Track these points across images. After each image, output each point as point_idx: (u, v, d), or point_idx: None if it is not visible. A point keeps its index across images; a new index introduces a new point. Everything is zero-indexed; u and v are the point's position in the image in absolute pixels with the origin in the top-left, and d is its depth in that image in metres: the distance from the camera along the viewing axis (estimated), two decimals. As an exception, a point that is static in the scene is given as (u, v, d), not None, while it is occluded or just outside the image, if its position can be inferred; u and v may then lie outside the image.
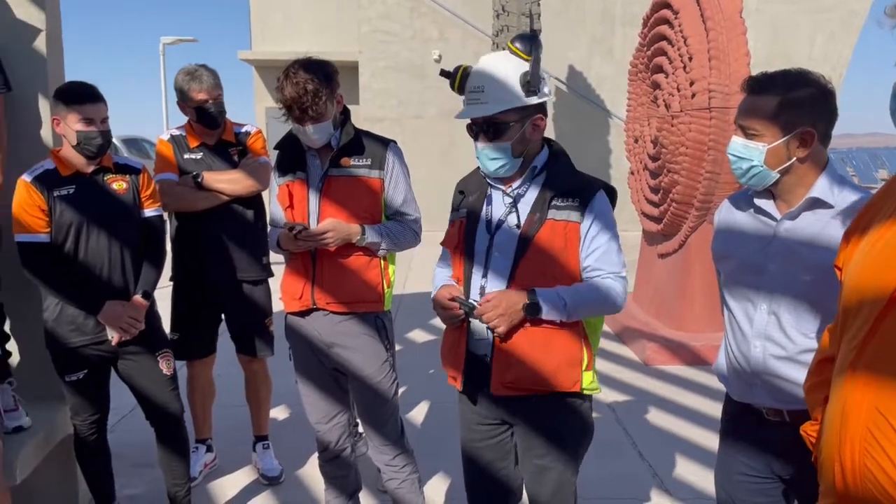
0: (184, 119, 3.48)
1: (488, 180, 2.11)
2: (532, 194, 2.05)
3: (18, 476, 2.63)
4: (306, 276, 2.62)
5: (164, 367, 2.93)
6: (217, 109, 3.35)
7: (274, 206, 2.73)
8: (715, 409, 4.32)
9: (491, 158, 2.03)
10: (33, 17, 2.99)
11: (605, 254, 2.01)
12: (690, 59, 5.39)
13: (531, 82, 1.97)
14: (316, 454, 2.92)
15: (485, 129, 2.01)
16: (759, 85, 1.84)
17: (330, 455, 2.77)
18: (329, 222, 2.52)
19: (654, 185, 6.07)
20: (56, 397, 2.98)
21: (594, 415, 2.23)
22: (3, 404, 2.79)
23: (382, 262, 2.65)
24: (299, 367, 2.75)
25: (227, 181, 3.36)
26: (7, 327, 3.01)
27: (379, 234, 2.60)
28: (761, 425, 1.91)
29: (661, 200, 5.94)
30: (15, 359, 3.07)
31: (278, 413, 4.34)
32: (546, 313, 1.97)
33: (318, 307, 2.62)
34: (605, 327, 3.24)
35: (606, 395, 4.49)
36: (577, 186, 2.03)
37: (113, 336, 2.78)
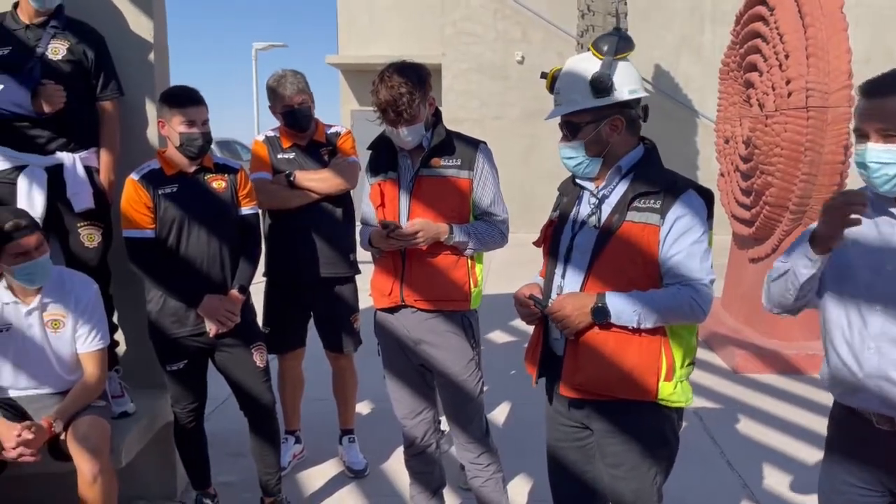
0: (276, 122, 3.60)
1: (577, 180, 2.11)
2: (617, 195, 2.03)
3: (124, 459, 2.79)
4: (395, 273, 2.67)
5: (258, 359, 3.04)
6: (302, 113, 3.45)
7: (366, 205, 2.80)
8: (810, 420, 4.19)
9: (567, 157, 2.05)
10: (143, 26, 3.16)
11: (687, 259, 1.92)
12: (787, 56, 5.19)
13: (597, 83, 1.94)
14: (400, 449, 2.97)
15: (563, 128, 2.04)
16: (885, 87, 1.73)
17: (416, 450, 2.81)
18: (419, 222, 2.56)
19: (746, 188, 5.87)
20: (158, 386, 3.13)
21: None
22: (110, 391, 2.96)
23: (469, 261, 2.68)
24: (387, 362, 2.80)
25: (318, 180, 3.46)
26: (115, 318, 3.19)
27: (466, 233, 2.62)
28: (870, 434, 1.82)
29: (752, 203, 5.74)
30: (121, 348, 3.25)
31: (363, 407, 4.43)
32: (615, 318, 1.93)
33: (407, 304, 2.67)
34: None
35: (693, 402, 4.37)
36: (660, 188, 1.96)
37: (211, 328, 2.91)
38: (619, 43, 1.98)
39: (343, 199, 3.57)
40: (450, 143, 2.66)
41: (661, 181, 1.98)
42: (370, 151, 2.79)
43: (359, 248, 3.60)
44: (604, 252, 1.98)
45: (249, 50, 20.74)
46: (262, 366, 3.05)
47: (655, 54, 12.41)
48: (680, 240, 1.92)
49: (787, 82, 5.16)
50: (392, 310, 2.72)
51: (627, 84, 1.98)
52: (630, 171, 2.03)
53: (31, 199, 2.88)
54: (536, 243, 2.25)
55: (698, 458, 3.74)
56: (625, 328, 1.94)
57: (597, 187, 2.06)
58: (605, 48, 1.98)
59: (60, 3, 2.99)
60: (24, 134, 2.92)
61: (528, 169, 12.41)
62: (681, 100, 12.52)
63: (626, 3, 9.78)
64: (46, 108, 2.87)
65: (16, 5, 2.97)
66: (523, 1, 12.91)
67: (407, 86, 2.49)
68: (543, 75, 2.14)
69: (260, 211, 3.22)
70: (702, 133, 12.27)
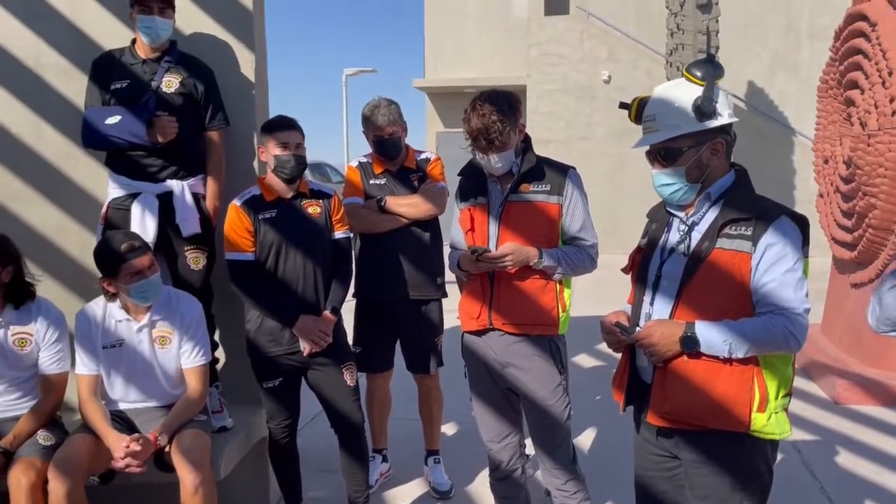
0: (366, 146, 3.73)
1: (668, 208, 2.09)
2: (707, 222, 2.00)
3: (222, 472, 2.91)
4: (484, 296, 2.71)
5: (349, 378, 3.13)
6: (392, 143, 3.55)
7: (455, 230, 2.85)
8: (920, 457, 3.94)
9: (664, 184, 2.02)
10: (245, 59, 3.35)
11: (781, 288, 1.87)
12: (890, 73, 4.96)
13: (703, 107, 1.93)
14: (485, 471, 2.98)
15: (658, 155, 2.01)
16: None
17: (501, 474, 2.82)
18: (508, 246, 2.59)
19: (847, 210, 5.62)
20: (254, 402, 3.27)
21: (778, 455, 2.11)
22: (210, 406, 3.10)
23: (558, 286, 2.68)
24: (474, 385, 2.83)
25: (408, 205, 3.55)
26: (216, 336, 3.35)
27: (556, 258, 2.63)
28: None
29: (854, 226, 5.48)
30: (221, 365, 3.41)
31: (449, 428, 4.46)
32: (705, 348, 1.89)
33: (495, 327, 2.70)
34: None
35: (791, 434, 4.19)
36: (751, 214, 1.93)
37: (305, 347, 3.02)
38: (714, 69, 1.98)
39: (431, 224, 3.64)
40: (539, 169, 2.69)
41: (752, 207, 1.95)
42: (460, 177, 2.85)
43: (446, 271, 3.68)
44: (693, 280, 1.95)
45: (340, 76, 21.35)
46: (352, 385, 3.13)
47: (748, 71, 12.08)
48: (773, 268, 1.88)
49: (891, 100, 4.93)
50: (480, 333, 2.75)
51: (725, 107, 1.98)
52: (720, 198, 2.01)
53: (143, 223, 3.07)
54: (625, 270, 2.24)
55: (796, 492, 3.58)
56: (715, 357, 1.91)
57: (686, 214, 2.05)
58: (700, 74, 1.97)
59: (174, 39, 3.20)
60: (139, 163, 3.12)
61: (614, 189, 12.25)
62: (776, 118, 12.11)
63: (717, 21, 9.57)
64: (160, 139, 3.06)
65: (134, 41, 3.19)
66: (610, 21, 12.83)
67: (498, 114, 2.54)
68: (624, 105, 2.14)
69: (352, 234, 3.33)
70: (798, 152, 11.81)
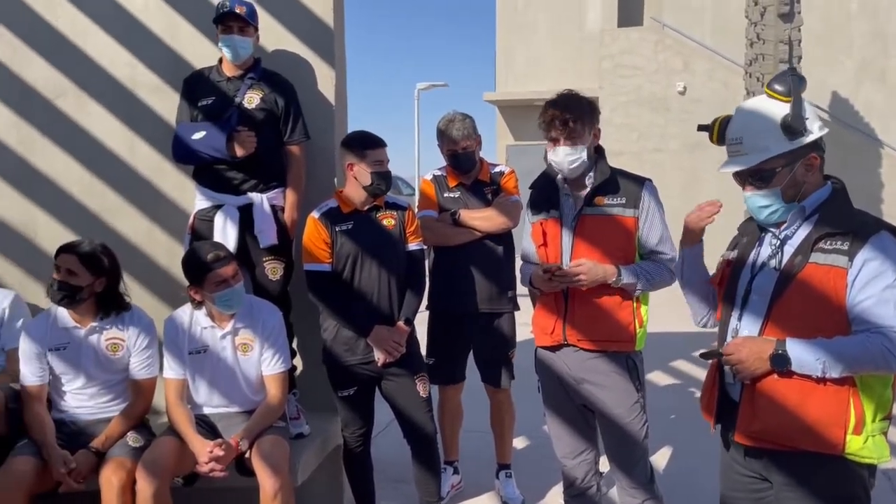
0: (437, 159, 3.78)
1: (760, 224, 2.04)
2: (800, 236, 1.94)
3: (300, 478, 2.97)
4: (558, 311, 2.68)
5: (421, 389, 3.16)
6: (465, 157, 3.58)
7: (527, 243, 2.84)
8: None
9: (760, 206, 1.96)
10: (325, 75, 3.44)
11: (878, 305, 1.79)
12: None
13: (793, 125, 1.87)
14: (557, 487, 2.96)
15: (750, 177, 1.95)
16: None
17: (575, 491, 2.79)
18: (583, 263, 2.56)
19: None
20: (330, 410, 3.32)
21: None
22: (288, 412, 3.18)
23: (635, 301, 2.64)
24: (548, 400, 2.81)
25: (482, 219, 3.56)
26: (294, 345, 3.44)
27: (635, 274, 2.59)
28: None
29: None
30: (298, 373, 3.49)
31: (520, 442, 4.43)
32: (797, 367, 1.83)
33: (569, 343, 2.67)
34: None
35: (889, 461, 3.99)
36: (848, 229, 1.86)
37: (379, 357, 3.06)
38: (798, 82, 1.92)
39: (505, 237, 3.65)
40: (614, 180, 2.65)
41: (849, 222, 1.88)
42: (531, 190, 2.83)
43: (518, 284, 3.67)
44: (784, 295, 1.90)
45: (411, 90, 21.66)
46: (424, 396, 3.16)
47: (832, 81, 11.65)
48: (870, 285, 1.81)
49: None
50: (554, 348, 2.72)
51: (815, 121, 1.92)
52: (815, 212, 1.94)
53: (225, 234, 3.19)
54: (712, 281, 2.20)
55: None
56: (808, 376, 1.85)
57: (779, 229, 1.99)
58: (784, 89, 1.91)
59: (258, 56, 3.32)
60: (222, 175, 3.24)
61: (687, 202, 11.73)
62: (861, 129, 11.62)
63: (799, 30, 9.27)
64: (239, 153, 3.17)
65: (220, 60, 3.33)
66: (686, 31, 12.60)
67: (574, 101, 2.57)
68: (704, 127, 2.09)
69: (425, 247, 3.36)
70: (886, 165, 11.30)
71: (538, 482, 3.84)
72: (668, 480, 3.88)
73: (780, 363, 1.85)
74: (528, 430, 4.42)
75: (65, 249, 2.89)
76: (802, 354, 1.83)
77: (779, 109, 1.91)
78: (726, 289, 2.08)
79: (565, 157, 2.58)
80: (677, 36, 12.64)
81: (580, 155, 2.58)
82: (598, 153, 2.68)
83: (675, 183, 12.02)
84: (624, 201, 2.62)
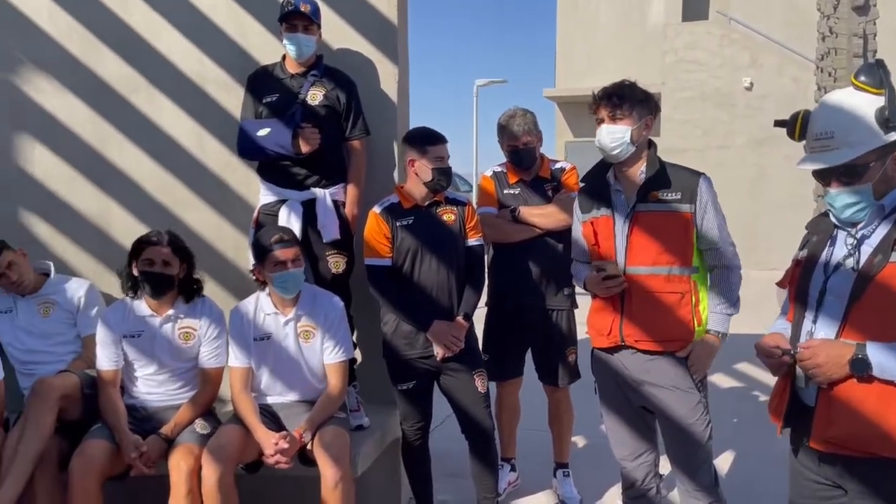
0: (499, 154, 3.76)
1: (837, 222, 1.96)
2: (879, 235, 1.86)
3: (359, 469, 3.01)
4: (615, 311, 2.63)
5: (480, 384, 3.16)
6: (526, 153, 3.55)
7: (577, 243, 2.79)
8: None
9: (847, 204, 1.87)
10: (388, 72, 3.47)
11: None
12: None
13: (890, 117, 1.79)
14: (616, 488, 2.93)
15: (839, 174, 1.86)
16: None
17: (635, 493, 2.75)
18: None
19: None
20: (389, 403, 3.36)
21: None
22: (349, 404, 3.23)
23: (694, 297, 2.58)
24: (605, 401, 2.78)
25: (541, 215, 3.54)
26: (354, 338, 3.48)
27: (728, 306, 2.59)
28: None
29: None
30: (358, 366, 3.53)
31: (578, 441, 4.40)
32: (878, 372, 1.76)
33: (627, 344, 2.62)
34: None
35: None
36: None
37: (438, 352, 3.08)
38: (886, 73, 1.84)
39: (565, 234, 3.58)
40: (665, 174, 2.58)
41: None
42: (581, 184, 2.78)
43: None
44: (864, 297, 1.82)
45: (469, 86, 21.67)
46: (483, 391, 3.16)
47: (909, 75, 11.16)
48: None
49: None
50: (611, 350, 2.67)
51: None
52: (894, 211, 1.86)
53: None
54: (781, 284, 2.12)
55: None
56: (890, 382, 1.77)
57: (855, 227, 1.91)
58: (872, 80, 1.83)
59: (321, 53, 3.37)
60: (286, 171, 3.31)
61: (753, 201, 11.65)
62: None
63: (874, 23, 8.90)
64: (304, 149, 3.22)
65: (284, 57, 3.39)
66: (754, 25, 12.25)
67: (628, 87, 2.55)
68: (782, 123, 2.01)
69: (484, 242, 3.36)
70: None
71: (596, 482, 3.80)
72: (729, 484, 3.77)
73: (861, 368, 1.78)
74: (586, 428, 4.37)
75: (152, 242, 2.99)
76: (884, 359, 1.76)
77: (870, 102, 1.82)
78: (798, 289, 2.01)
79: (607, 135, 2.54)
80: (745, 30, 12.32)
81: (623, 136, 2.52)
82: (650, 147, 2.63)
83: (741, 181, 11.72)
84: (679, 196, 2.55)
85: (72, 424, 3.00)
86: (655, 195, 2.56)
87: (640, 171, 2.59)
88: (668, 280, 2.56)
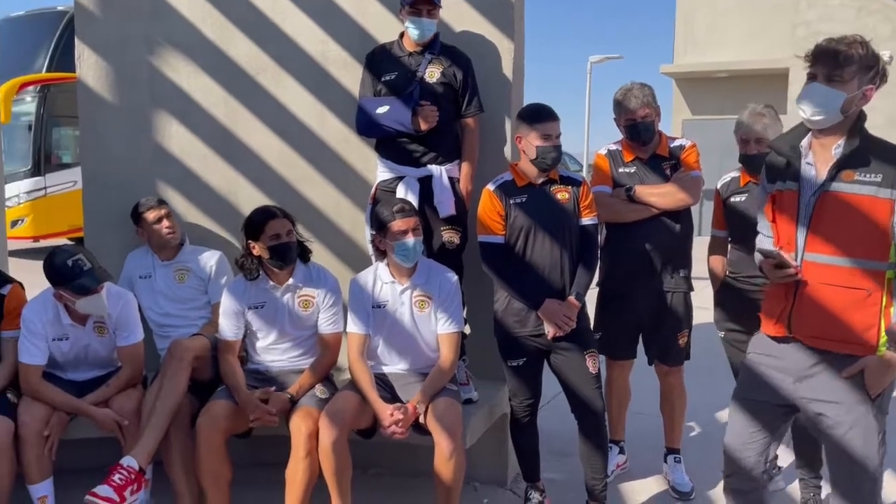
0: (611, 133, 3.68)
1: None
2: None
3: (468, 442, 3.07)
4: (787, 297, 2.32)
5: (591, 365, 3.12)
6: (644, 127, 3.44)
7: (761, 217, 2.49)
8: None
9: None
10: (505, 49, 3.47)
11: None
12: None
13: None
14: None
15: None
16: None
17: (735, 483, 2.57)
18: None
19: None
20: (498, 378, 3.39)
21: None
22: (458, 378, 3.29)
23: (885, 298, 2.21)
24: (745, 389, 2.52)
25: (658, 195, 3.44)
26: (464, 313, 3.53)
27: None
28: None
29: None
30: (469, 341, 3.58)
31: (689, 428, 4.29)
32: None
33: (795, 337, 2.33)
34: None
35: None
36: None
37: (549, 331, 3.07)
38: None
39: (683, 214, 3.51)
40: (865, 151, 2.20)
41: None
42: (768, 150, 2.49)
43: (693, 264, 3.52)
44: None
45: (583, 63, 21.21)
46: (594, 372, 3.13)
47: None
48: None
49: None
50: (778, 339, 2.38)
51: None
52: None
53: (406, 204, 3.33)
54: None
55: None
56: None
57: None
58: None
59: (437, 31, 3.40)
60: (404, 148, 3.38)
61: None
62: None
63: None
64: (423, 126, 3.28)
65: (401, 35, 3.45)
66: (897, -7, 11.33)
67: (860, 43, 2.17)
68: None
69: (598, 222, 3.31)
70: None
71: (707, 470, 3.68)
72: None
73: None
74: (698, 415, 4.26)
75: (273, 216, 3.11)
76: None
77: None
78: None
79: (814, 96, 2.18)
80: (886, 0, 11.40)
81: (834, 102, 2.16)
82: (858, 119, 2.25)
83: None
84: (879, 179, 2.17)
85: (202, 384, 3.22)
86: (851, 175, 2.20)
87: (836, 144, 2.24)
88: (853, 274, 2.22)
